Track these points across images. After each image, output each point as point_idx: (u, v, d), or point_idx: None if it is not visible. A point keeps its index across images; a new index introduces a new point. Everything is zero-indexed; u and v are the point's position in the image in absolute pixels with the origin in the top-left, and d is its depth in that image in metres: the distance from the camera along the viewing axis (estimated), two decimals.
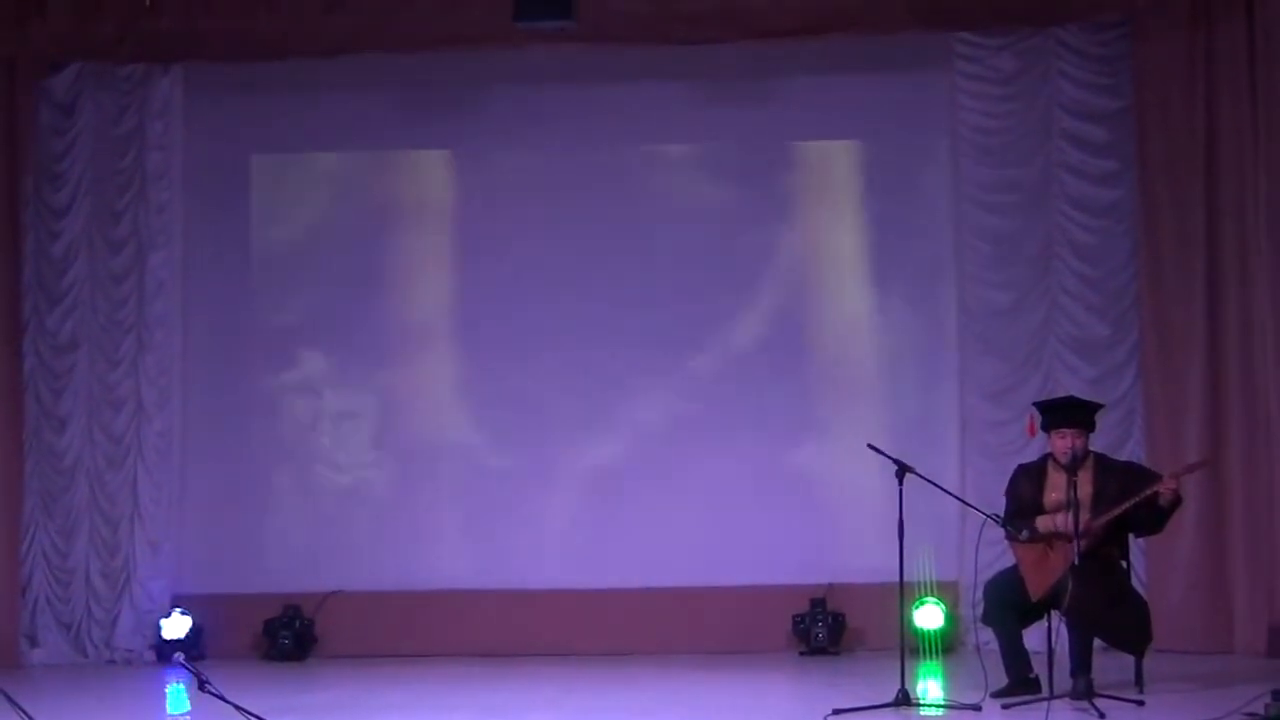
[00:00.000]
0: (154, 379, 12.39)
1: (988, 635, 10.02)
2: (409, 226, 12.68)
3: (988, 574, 9.99)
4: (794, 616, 11.95)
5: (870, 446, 9.55)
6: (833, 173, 12.57)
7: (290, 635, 12.13)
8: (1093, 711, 8.85)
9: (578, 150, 12.61)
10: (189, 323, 12.58)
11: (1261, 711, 8.55)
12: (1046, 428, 9.68)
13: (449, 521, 12.46)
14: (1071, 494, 9.21)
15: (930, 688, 10.27)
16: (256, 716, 8.17)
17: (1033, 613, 9.62)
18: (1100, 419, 9.86)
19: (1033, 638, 9.69)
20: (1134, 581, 10.26)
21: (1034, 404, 10.14)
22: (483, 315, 12.58)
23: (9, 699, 7.96)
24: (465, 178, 12.69)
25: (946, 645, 11.67)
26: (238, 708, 8.12)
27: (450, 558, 12.38)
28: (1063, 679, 9.20)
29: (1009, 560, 9.81)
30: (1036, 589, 9.48)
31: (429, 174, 12.72)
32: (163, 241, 12.43)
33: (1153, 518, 9.52)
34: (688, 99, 12.50)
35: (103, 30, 12.11)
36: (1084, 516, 9.25)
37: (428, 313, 12.63)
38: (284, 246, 12.73)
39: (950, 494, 10.04)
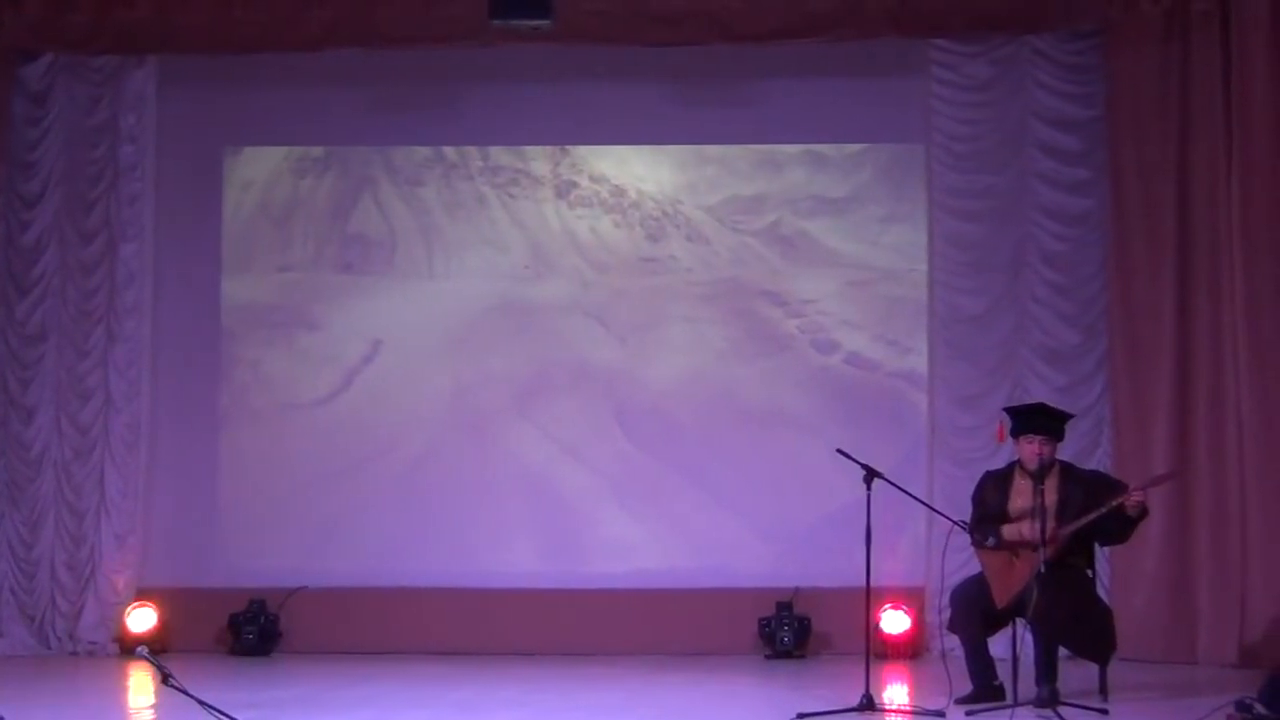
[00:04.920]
0: (123, 370, 12.36)
1: (953, 642, 10.05)
2: (384, 222, 12.66)
3: (954, 580, 10.02)
4: (760, 620, 11.97)
5: (839, 451, 9.55)
6: (808, 175, 12.58)
7: (255, 630, 12.11)
8: (1056, 719, 8.87)
9: (553, 149, 12.62)
10: (159, 315, 12.57)
11: None
12: (1015, 433, 9.71)
13: (415, 520, 12.44)
14: (1038, 501, 9.25)
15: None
16: (220, 711, 8.13)
17: (998, 620, 9.63)
18: (1069, 428, 9.89)
19: (998, 645, 9.71)
20: (1099, 590, 10.28)
21: (1004, 409, 10.20)
22: (456, 312, 12.58)
23: None
24: (441, 174, 12.68)
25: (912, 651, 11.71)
26: (201, 703, 8.09)
27: (416, 556, 12.36)
28: (1027, 687, 9.22)
29: (976, 567, 9.82)
30: (1002, 596, 9.50)
31: (404, 170, 12.70)
32: (134, 233, 12.40)
33: (1119, 527, 9.54)
34: (665, 100, 12.50)
35: (77, 21, 12.09)
36: (1050, 524, 9.27)
37: (400, 308, 12.62)
38: (256, 240, 12.71)
39: (918, 499, 10.05)
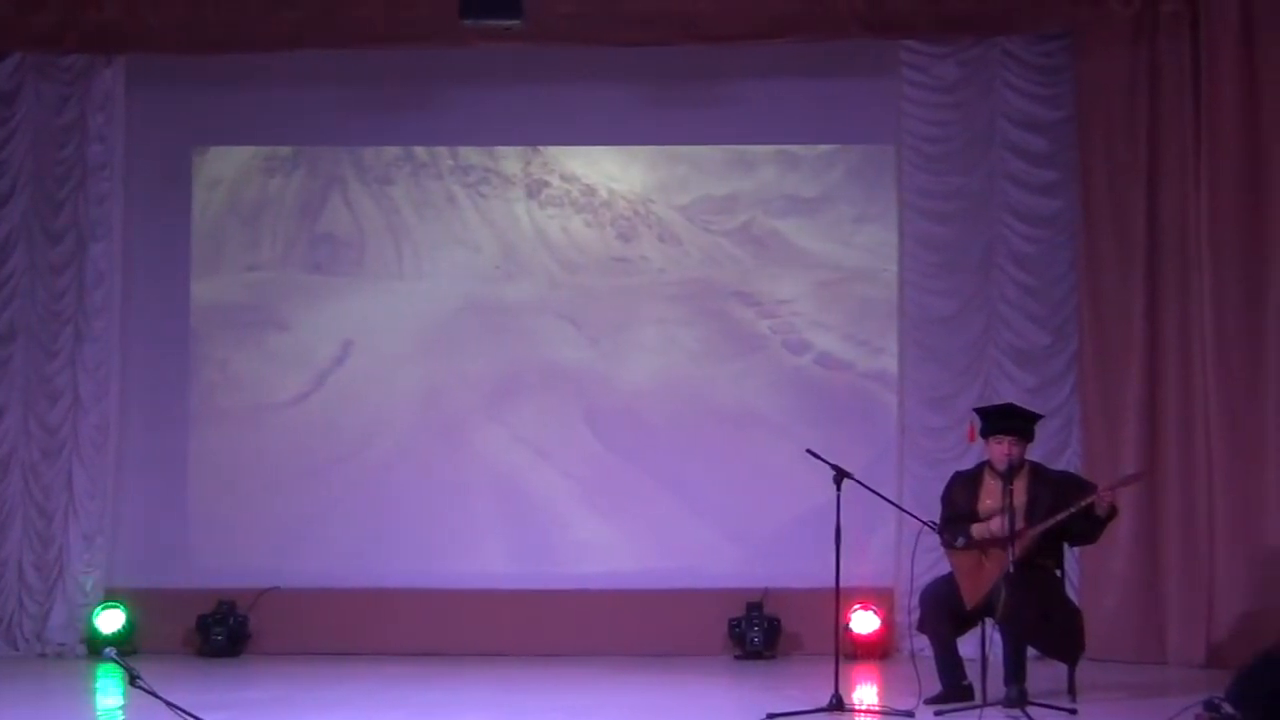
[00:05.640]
0: (91, 371, 12.31)
1: (922, 642, 10.07)
2: (353, 221, 12.64)
3: (924, 581, 10.03)
4: (730, 620, 11.97)
5: (809, 452, 9.56)
6: (779, 175, 12.58)
7: (224, 631, 12.07)
8: (1025, 719, 8.89)
9: (525, 149, 12.62)
10: (128, 315, 12.51)
11: None
12: (986, 434, 9.75)
13: (385, 520, 12.41)
14: (1007, 501, 9.28)
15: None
16: (188, 713, 8.11)
17: (967, 620, 9.66)
18: (1038, 428, 9.92)
19: (967, 645, 9.74)
20: (1068, 590, 10.30)
21: (975, 409, 10.24)
22: (426, 312, 12.57)
23: None
24: (411, 173, 12.66)
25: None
26: (169, 704, 8.06)
27: (387, 557, 12.34)
28: (996, 687, 9.25)
29: (945, 567, 9.85)
30: (971, 596, 9.53)
31: (373, 169, 12.68)
32: (103, 233, 12.35)
33: (1089, 528, 9.58)
34: (636, 100, 12.49)
35: (45, 20, 12.05)
36: (1019, 525, 9.30)
37: (370, 308, 12.60)
38: (224, 240, 12.67)
39: (887, 500, 10.07)
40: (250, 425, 12.56)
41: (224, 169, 12.72)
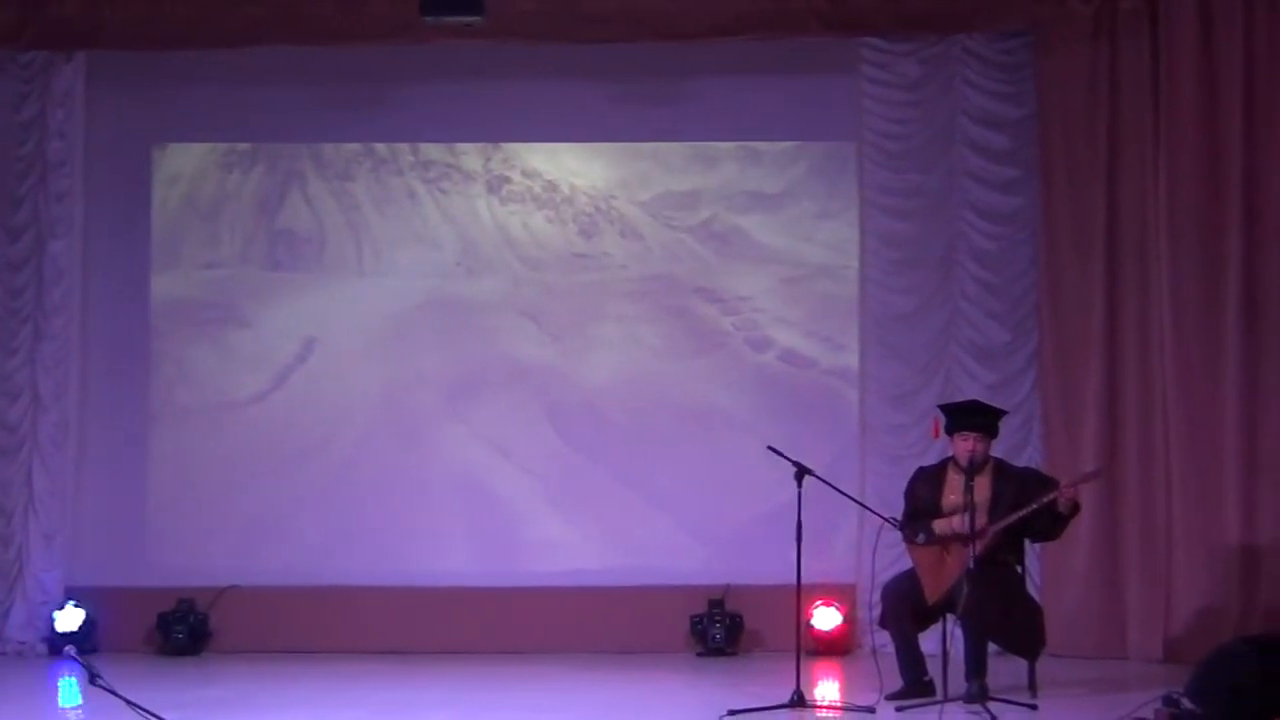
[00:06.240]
0: (51, 369, 12.25)
1: (884, 638, 10.09)
2: (313, 217, 12.61)
3: (885, 577, 10.05)
4: (692, 617, 11.98)
5: (770, 448, 9.58)
6: (741, 171, 12.59)
7: (184, 630, 12.04)
8: (985, 715, 8.92)
9: (486, 145, 12.60)
10: (88, 312, 12.46)
11: (1151, 716, 8.64)
12: (950, 430, 9.78)
13: (346, 519, 12.38)
14: (969, 497, 9.31)
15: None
16: (148, 711, 8.08)
17: (929, 616, 9.69)
18: (1000, 425, 9.95)
19: (928, 641, 9.76)
20: (1029, 586, 10.34)
21: (939, 406, 10.26)
22: (387, 309, 12.55)
23: None
24: (371, 169, 12.64)
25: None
26: (129, 703, 8.03)
27: (348, 555, 12.31)
28: (957, 682, 9.29)
29: (907, 564, 9.87)
30: (933, 592, 9.55)
31: (333, 165, 12.64)
32: (62, 230, 12.29)
33: (1050, 524, 9.61)
34: (598, 97, 12.48)
35: (4, 16, 11.99)
36: (981, 520, 9.33)
37: (330, 305, 12.57)
38: (183, 236, 12.62)
39: (848, 496, 10.08)
40: (211, 423, 12.51)
41: (183, 165, 12.67)
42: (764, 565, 11.29)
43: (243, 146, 12.64)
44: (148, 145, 12.63)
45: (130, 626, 12.12)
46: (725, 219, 12.59)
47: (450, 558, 12.34)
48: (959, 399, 10.99)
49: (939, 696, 9.26)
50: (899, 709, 9.21)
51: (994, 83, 12.16)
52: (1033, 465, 11.25)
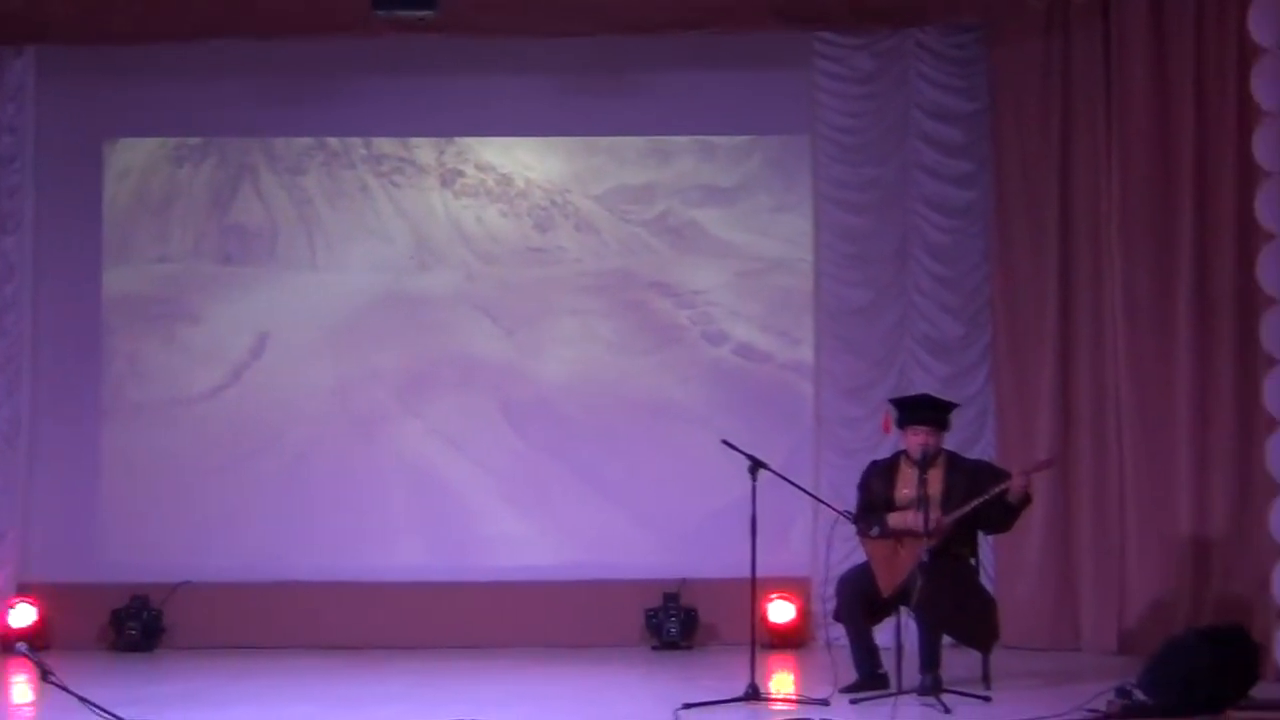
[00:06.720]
0: (2, 365, 12.18)
1: (838, 631, 10.09)
2: (264, 212, 12.55)
3: (840, 570, 10.07)
4: (647, 611, 11.99)
5: (724, 442, 9.59)
6: (697, 165, 12.59)
7: (138, 626, 11.99)
8: (939, 707, 8.94)
9: (439, 139, 12.57)
10: (39, 308, 12.38)
11: (1104, 708, 8.68)
12: (902, 424, 9.80)
13: (300, 514, 12.34)
14: (922, 491, 9.33)
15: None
16: (101, 708, 8.06)
17: (883, 609, 9.71)
18: (953, 417, 9.98)
19: (882, 634, 9.78)
20: (983, 579, 10.37)
21: (890, 400, 10.29)
22: (340, 304, 12.51)
23: None
24: (323, 162, 12.60)
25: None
26: (82, 699, 8.01)
27: (302, 550, 12.27)
28: (911, 675, 9.30)
29: (861, 556, 9.89)
30: (887, 585, 9.57)
31: (284, 158, 12.59)
32: (13, 225, 12.22)
33: (1002, 516, 9.64)
34: (552, 91, 12.46)
35: None
36: (934, 513, 9.36)
37: (282, 300, 12.52)
38: (134, 231, 12.56)
39: (803, 490, 10.10)
40: (163, 419, 12.45)
41: (134, 159, 12.60)
42: (719, 559, 11.28)
43: (194, 141, 12.58)
44: (99, 140, 12.56)
45: (83, 623, 12.05)
46: (680, 213, 12.58)
47: (404, 553, 12.32)
48: (913, 392, 11.03)
49: (893, 689, 9.26)
50: (853, 701, 9.22)
51: (947, 76, 12.19)
52: (986, 458, 11.27)
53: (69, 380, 12.45)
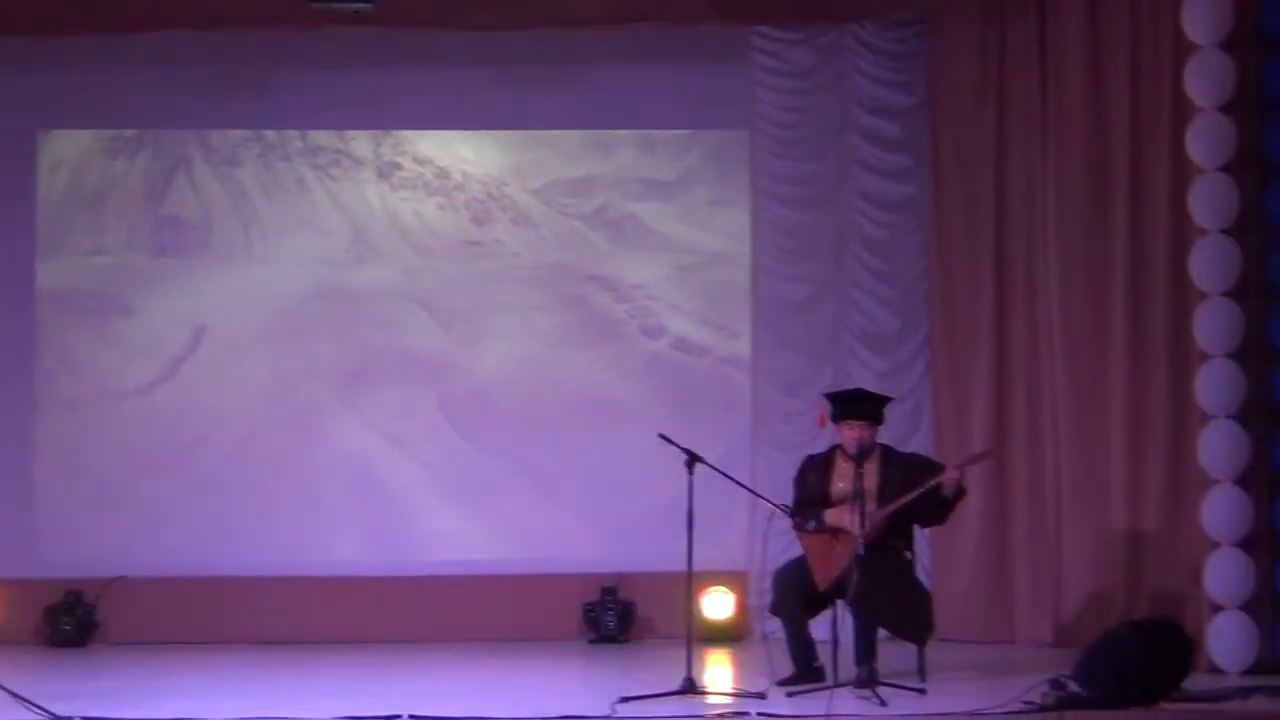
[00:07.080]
0: None
1: (775, 624, 10.12)
2: (199, 204, 12.49)
3: (776, 564, 10.09)
4: (584, 605, 11.99)
5: (661, 436, 9.59)
6: (636, 158, 12.59)
7: (72, 621, 11.92)
8: (875, 699, 8.96)
9: (376, 132, 12.53)
10: None
11: (1039, 700, 8.72)
12: (836, 418, 9.83)
13: (235, 509, 12.28)
14: (857, 485, 9.36)
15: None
16: (33, 703, 8.01)
17: (819, 602, 9.73)
18: (889, 411, 10.03)
19: (819, 627, 9.79)
20: (919, 572, 10.40)
21: (825, 395, 10.32)
22: (276, 297, 12.45)
23: None
24: (259, 154, 12.53)
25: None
26: (13, 694, 7.96)
27: (238, 545, 12.22)
28: (847, 667, 9.31)
29: (798, 551, 9.90)
30: (823, 578, 9.59)
31: (219, 150, 12.52)
32: None
33: (936, 509, 9.67)
34: (490, 84, 12.44)
35: None
36: (869, 507, 9.39)
37: (218, 293, 12.45)
38: (68, 224, 12.46)
39: (739, 484, 10.11)
40: (97, 413, 12.37)
41: (67, 151, 12.50)
42: (657, 553, 11.24)
43: (128, 132, 12.50)
44: (32, 131, 12.47)
45: (17, 619, 11.94)
46: (619, 206, 12.58)
47: (341, 547, 12.28)
48: (850, 386, 11.05)
49: (829, 682, 9.27)
50: (790, 694, 9.23)
51: (886, 71, 12.23)
52: (922, 452, 11.32)
53: (2, 374, 12.35)
